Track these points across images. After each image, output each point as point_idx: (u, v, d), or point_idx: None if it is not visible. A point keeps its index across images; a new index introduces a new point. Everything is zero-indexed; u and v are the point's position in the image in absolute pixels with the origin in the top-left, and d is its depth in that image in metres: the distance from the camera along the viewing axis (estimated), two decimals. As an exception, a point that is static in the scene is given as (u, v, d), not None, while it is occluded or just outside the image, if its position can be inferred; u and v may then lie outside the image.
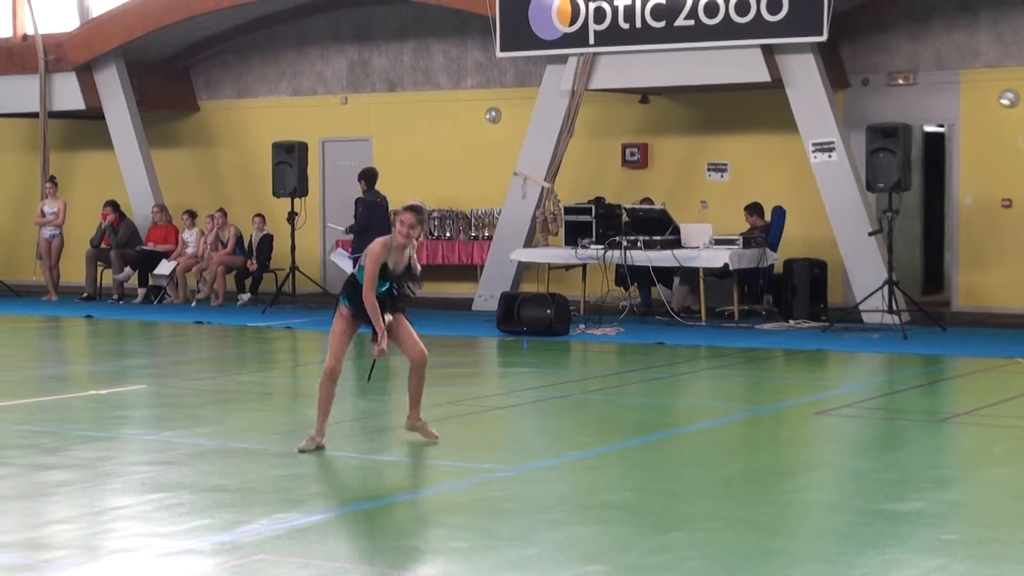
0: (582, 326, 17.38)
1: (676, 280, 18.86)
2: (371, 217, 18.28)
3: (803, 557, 7.09)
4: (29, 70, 23.24)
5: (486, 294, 19.81)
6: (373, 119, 22.69)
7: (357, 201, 18.85)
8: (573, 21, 19.02)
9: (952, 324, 17.58)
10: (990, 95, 18.95)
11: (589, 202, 19.16)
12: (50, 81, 23.14)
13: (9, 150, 25.27)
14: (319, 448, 9.63)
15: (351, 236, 18.95)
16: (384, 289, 9.59)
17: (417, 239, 9.65)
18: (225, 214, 21.91)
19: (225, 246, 21.63)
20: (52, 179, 23.15)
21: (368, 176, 18.99)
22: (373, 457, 9.61)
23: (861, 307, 17.56)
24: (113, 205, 22.45)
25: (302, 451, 9.57)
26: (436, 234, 21.30)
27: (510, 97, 21.63)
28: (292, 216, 20.40)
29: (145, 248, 22.25)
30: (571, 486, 8.86)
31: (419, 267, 9.78)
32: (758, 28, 17.93)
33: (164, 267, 21.83)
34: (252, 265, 21.51)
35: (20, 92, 23.42)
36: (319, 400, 9.70)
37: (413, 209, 9.51)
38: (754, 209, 18.71)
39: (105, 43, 22.60)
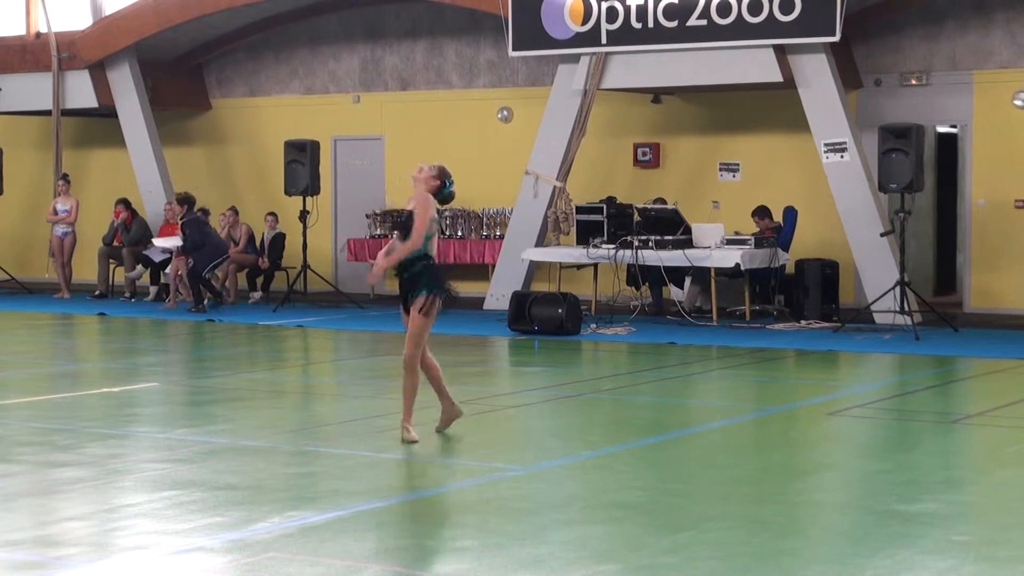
0: (593, 326, 17.37)
1: (688, 280, 18.85)
2: (200, 234, 19.95)
3: (814, 558, 7.08)
4: (42, 68, 23.28)
5: (498, 293, 19.80)
6: (385, 118, 22.70)
7: (183, 225, 20.07)
8: (585, 20, 19.01)
9: (964, 325, 17.55)
10: (1004, 96, 18.90)
11: (601, 201, 19.14)
12: (63, 79, 23.18)
13: (22, 148, 25.31)
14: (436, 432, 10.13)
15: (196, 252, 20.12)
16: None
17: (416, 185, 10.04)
18: (237, 212, 21.91)
19: (237, 244, 21.63)
20: (65, 177, 23.16)
21: (186, 201, 20.15)
22: (384, 456, 9.61)
23: (873, 308, 17.52)
24: (125, 203, 22.45)
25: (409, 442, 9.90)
26: (448, 233, 21.30)
27: (522, 96, 21.62)
28: (304, 215, 20.43)
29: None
30: (582, 486, 8.86)
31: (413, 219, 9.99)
32: (770, 28, 17.91)
33: (176, 265, 21.83)
34: (264, 263, 21.53)
35: (33, 90, 23.47)
36: (434, 387, 10.20)
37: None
38: (763, 213, 18.67)
39: (118, 41, 22.64)
